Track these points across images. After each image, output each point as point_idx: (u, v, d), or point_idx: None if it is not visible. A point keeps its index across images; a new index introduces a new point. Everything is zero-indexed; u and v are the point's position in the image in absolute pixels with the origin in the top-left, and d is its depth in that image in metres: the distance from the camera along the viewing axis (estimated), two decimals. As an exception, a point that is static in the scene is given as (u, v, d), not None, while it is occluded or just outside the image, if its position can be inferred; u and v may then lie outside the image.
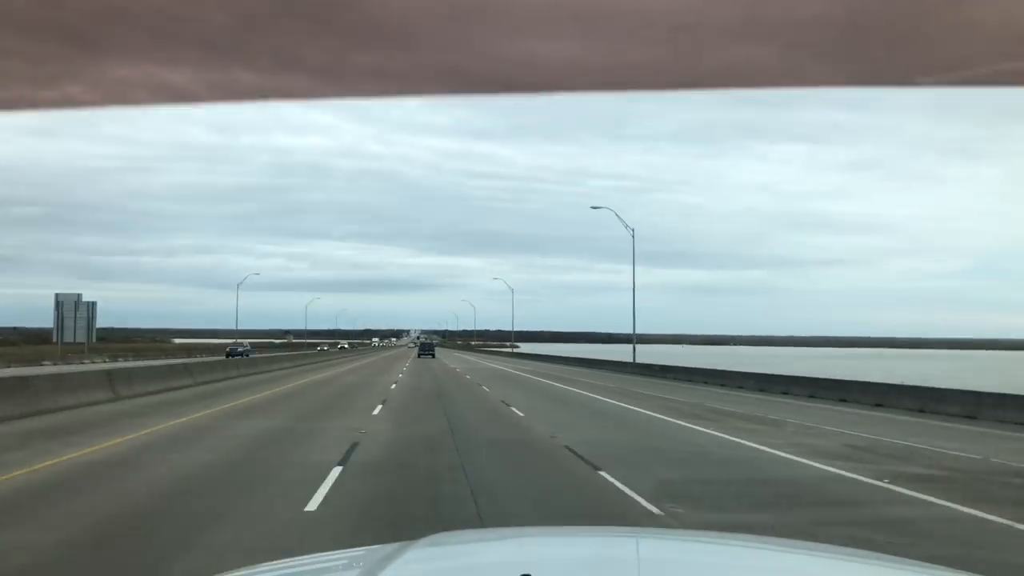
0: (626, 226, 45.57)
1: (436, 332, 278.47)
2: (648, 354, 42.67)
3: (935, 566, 2.05)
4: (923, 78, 1.24)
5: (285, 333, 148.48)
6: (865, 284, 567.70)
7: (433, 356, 79.35)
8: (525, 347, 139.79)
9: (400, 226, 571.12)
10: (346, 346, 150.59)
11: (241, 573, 2.04)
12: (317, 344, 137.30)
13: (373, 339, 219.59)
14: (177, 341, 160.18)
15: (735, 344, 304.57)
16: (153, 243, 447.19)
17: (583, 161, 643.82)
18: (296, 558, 2.35)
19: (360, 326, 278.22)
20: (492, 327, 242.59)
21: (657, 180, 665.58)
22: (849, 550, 2.42)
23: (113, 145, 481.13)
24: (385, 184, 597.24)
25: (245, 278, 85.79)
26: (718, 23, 1.24)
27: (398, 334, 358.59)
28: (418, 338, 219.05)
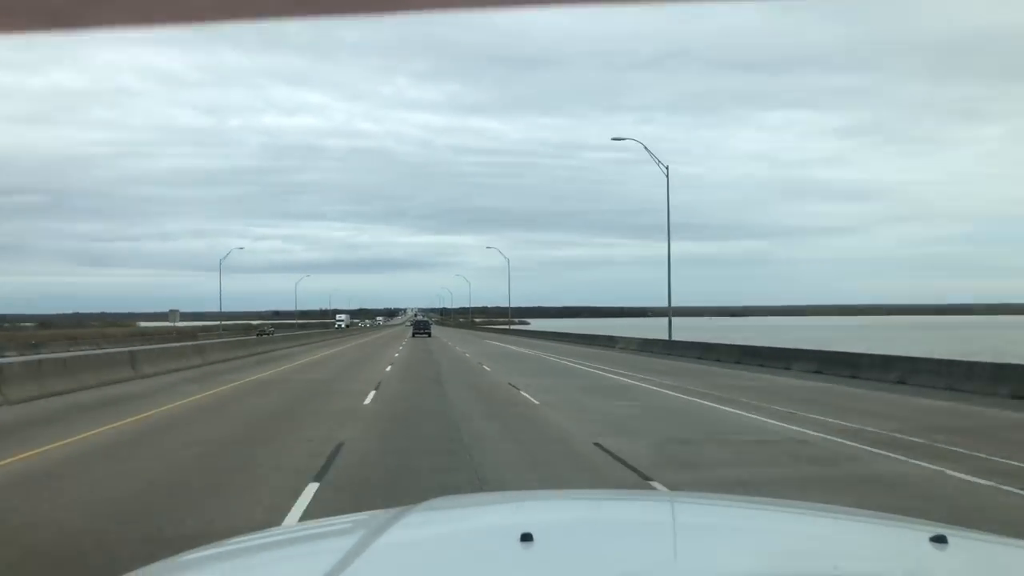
0: (659, 163, 40.45)
1: (433, 310, 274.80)
2: (667, 328, 38.22)
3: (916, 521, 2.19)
4: None
5: (275, 315, 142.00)
6: (864, 251, 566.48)
7: (429, 335, 78.80)
8: (535, 324, 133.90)
9: (394, 204, 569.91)
10: (342, 325, 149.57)
11: (246, 537, 2.17)
12: (302, 326, 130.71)
13: (338, 318, 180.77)
14: (143, 324, 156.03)
15: (754, 314, 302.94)
16: (150, 228, 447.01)
17: (577, 134, 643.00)
18: (299, 523, 2.65)
19: (355, 306, 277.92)
20: (490, 304, 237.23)
21: (654, 151, 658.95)
22: (851, 510, 2.49)
23: (103, 131, 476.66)
24: (378, 162, 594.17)
25: (228, 253, 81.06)
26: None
27: (393, 313, 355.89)
28: (416, 316, 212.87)
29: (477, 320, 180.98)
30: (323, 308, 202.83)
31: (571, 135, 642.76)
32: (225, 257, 78.06)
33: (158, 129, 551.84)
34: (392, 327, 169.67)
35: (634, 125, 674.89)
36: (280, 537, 2.30)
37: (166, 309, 67.82)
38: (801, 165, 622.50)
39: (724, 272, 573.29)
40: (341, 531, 2.13)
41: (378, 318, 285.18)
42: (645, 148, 40.46)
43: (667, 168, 40.44)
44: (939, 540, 1.71)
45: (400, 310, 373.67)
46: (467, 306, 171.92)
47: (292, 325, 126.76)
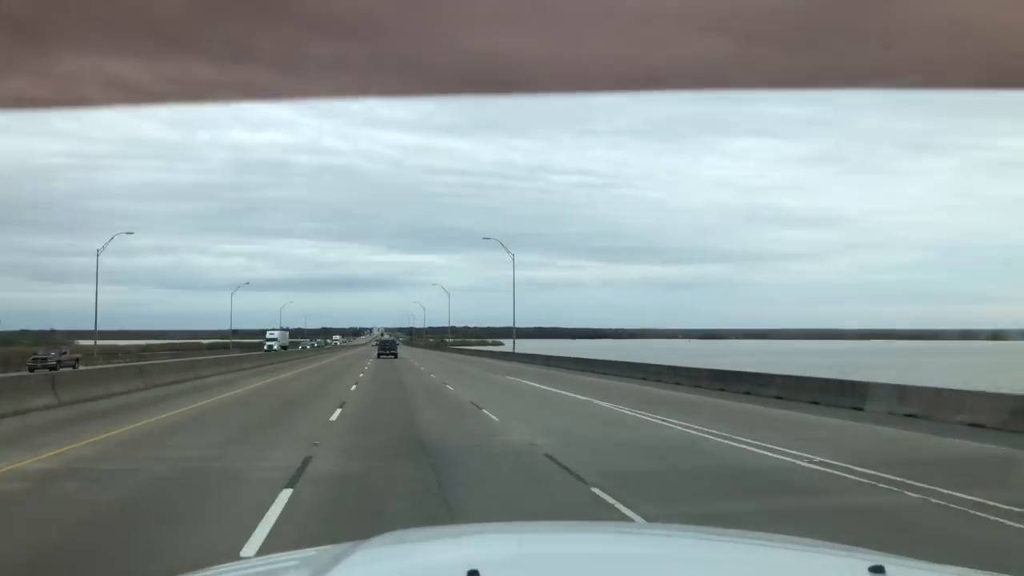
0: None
1: (401, 330, 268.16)
2: (641, 352, 42.81)
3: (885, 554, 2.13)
4: (881, 79, 1.33)
5: (233, 333, 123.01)
6: (824, 277, 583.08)
7: (395, 356, 73.89)
8: (514, 344, 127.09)
9: (362, 223, 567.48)
10: (274, 347, 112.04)
11: (198, 573, 2.15)
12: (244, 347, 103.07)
13: (269, 336, 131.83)
14: (80, 342, 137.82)
15: (733, 338, 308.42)
16: (112, 243, 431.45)
17: (546, 156, 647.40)
18: (248, 559, 2.65)
19: (317, 325, 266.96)
20: (459, 324, 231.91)
21: (620, 176, 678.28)
22: (789, 539, 2.52)
23: (65, 142, 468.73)
24: (346, 180, 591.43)
25: (105, 245, 63.18)
26: (679, 14, 1.25)
27: (359, 332, 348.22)
28: (381, 335, 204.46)
29: (449, 340, 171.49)
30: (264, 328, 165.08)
31: (540, 158, 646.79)
32: (102, 248, 60.56)
33: (122, 142, 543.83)
34: (355, 347, 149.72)
35: (603, 150, 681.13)
36: (234, 575, 2.26)
37: (128, 328, 59.67)
38: (764, 192, 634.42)
39: (688, 295, 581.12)
40: (291, 568, 2.17)
41: (335, 337, 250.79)
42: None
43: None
44: (877, 571, 1.73)
45: (366, 329, 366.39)
46: (435, 326, 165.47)
47: (227, 346, 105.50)
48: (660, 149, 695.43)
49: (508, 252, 61.79)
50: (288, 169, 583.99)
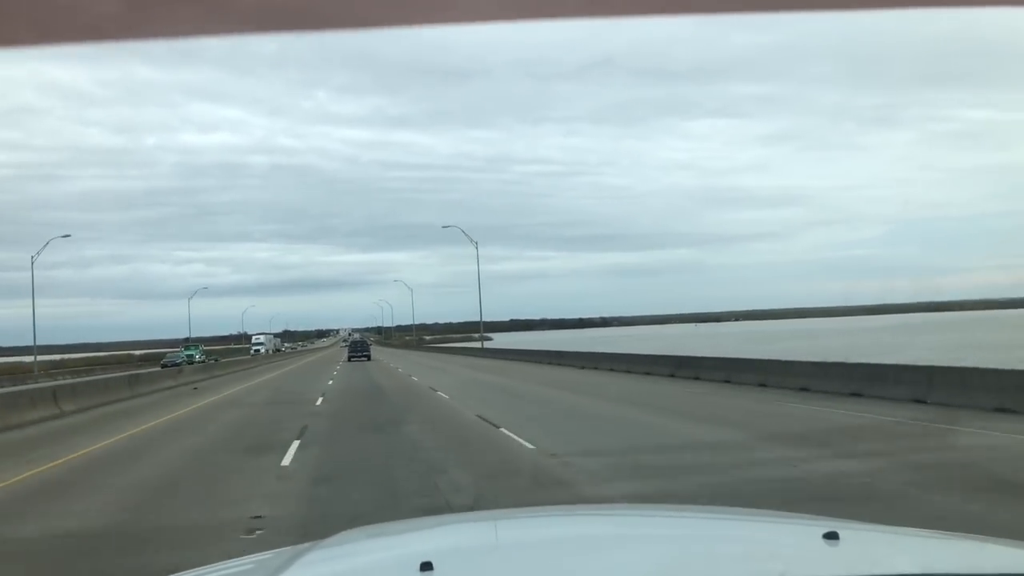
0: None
1: (368, 330, 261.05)
2: (653, 340, 44.26)
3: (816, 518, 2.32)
4: None
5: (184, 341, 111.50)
6: (788, 257, 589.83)
7: (368, 358, 67.46)
8: (499, 339, 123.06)
9: (321, 223, 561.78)
10: (261, 351, 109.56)
11: None
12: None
13: (256, 340, 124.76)
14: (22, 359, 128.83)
15: (735, 319, 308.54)
16: (65, 255, 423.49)
17: (505, 147, 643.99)
18: (207, 566, 2.39)
19: (279, 328, 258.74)
20: (429, 321, 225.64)
21: (581, 163, 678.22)
22: (744, 511, 2.76)
23: (5, 152, 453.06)
24: (302, 180, 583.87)
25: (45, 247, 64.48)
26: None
27: (324, 333, 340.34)
28: (349, 335, 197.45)
29: (427, 338, 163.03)
30: (240, 332, 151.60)
31: (499, 148, 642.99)
32: (36, 254, 63.05)
33: (66, 149, 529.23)
34: (318, 351, 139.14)
35: (561, 137, 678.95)
36: None
37: (88, 340, 56.14)
38: (726, 173, 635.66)
39: (655, 281, 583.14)
40: (246, 571, 2.15)
41: (257, 337, 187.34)
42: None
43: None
44: (831, 536, 1.80)
45: (331, 331, 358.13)
46: (403, 324, 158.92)
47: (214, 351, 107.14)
48: (620, 134, 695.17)
49: (472, 241, 59.37)
50: (241, 171, 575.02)
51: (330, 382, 35.80)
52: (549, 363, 44.84)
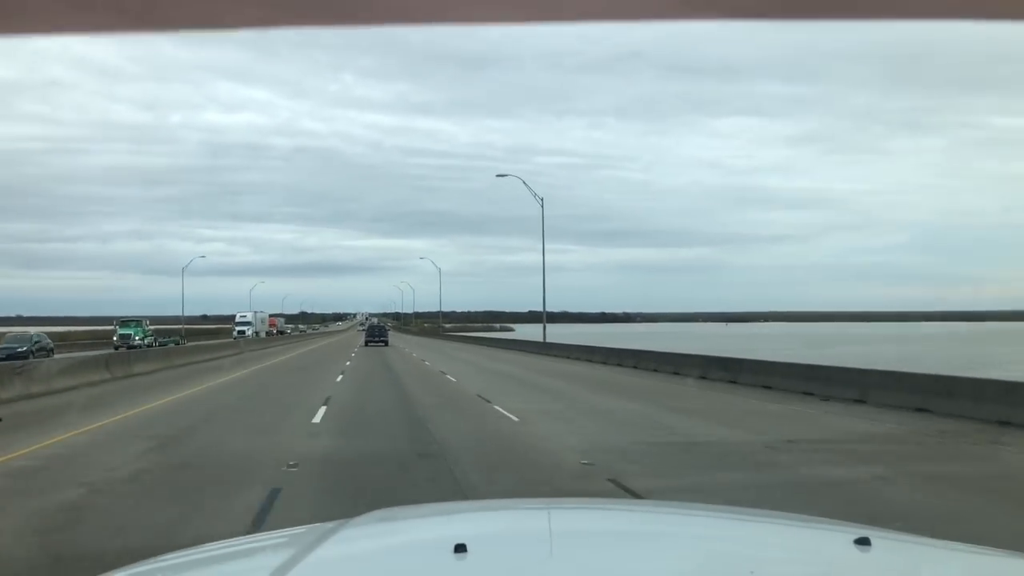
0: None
1: (386, 315, 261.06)
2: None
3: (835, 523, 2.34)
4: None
5: (204, 318, 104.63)
6: (810, 259, 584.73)
7: (386, 343, 66.21)
8: (521, 330, 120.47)
9: (342, 207, 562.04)
10: (247, 332, 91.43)
11: (175, 554, 2.13)
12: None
13: (240, 317, 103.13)
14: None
15: (763, 320, 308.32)
16: (87, 229, 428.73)
17: (527, 137, 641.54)
18: (235, 539, 2.45)
19: (296, 309, 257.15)
20: (446, 309, 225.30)
21: (603, 156, 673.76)
22: (776, 514, 2.60)
23: (34, 125, 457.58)
24: (325, 163, 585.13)
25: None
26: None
27: (341, 317, 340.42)
28: (367, 319, 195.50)
29: (447, 326, 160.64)
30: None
31: (521, 139, 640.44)
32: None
33: (93, 125, 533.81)
34: (332, 335, 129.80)
35: (584, 130, 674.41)
36: (212, 553, 2.22)
37: (106, 314, 54.11)
38: (750, 173, 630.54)
39: (675, 278, 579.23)
40: (275, 546, 2.16)
41: (242, 315, 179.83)
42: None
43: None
44: (863, 542, 1.79)
45: (349, 315, 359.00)
46: (420, 311, 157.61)
47: (180, 332, 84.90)
48: (644, 129, 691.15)
49: (536, 197, 49.86)
50: (265, 152, 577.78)
51: (338, 382, 25.75)
52: (632, 366, 33.36)
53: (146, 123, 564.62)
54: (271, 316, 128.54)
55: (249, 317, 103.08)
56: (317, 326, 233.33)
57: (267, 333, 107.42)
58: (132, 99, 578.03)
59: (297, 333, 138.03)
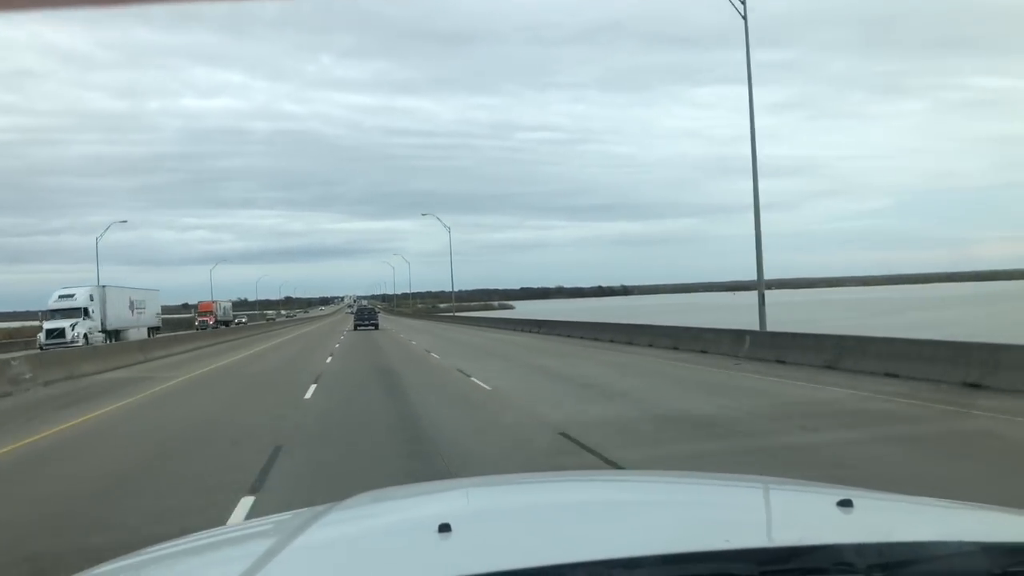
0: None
1: (374, 297, 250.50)
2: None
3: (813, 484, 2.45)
4: None
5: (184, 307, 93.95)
6: (796, 226, 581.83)
7: (376, 327, 62.77)
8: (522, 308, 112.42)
9: (325, 190, 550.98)
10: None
11: (162, 545, 2.14)
12: None
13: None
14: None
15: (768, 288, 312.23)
16: (70, 220, 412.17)
17: (510, 113, 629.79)
18: (221, 528, 2.58)
19: (283, 295, 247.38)
20: (435, 289, 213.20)
21: (587, 130, 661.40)
22: (758, 478, 2.64)
23: (7, 116, 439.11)
24: (306, 146, 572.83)
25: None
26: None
27: (327, 301, 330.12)
28: (355, 302, 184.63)
29: (441, 306, 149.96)
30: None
31: (505, 115, 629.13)
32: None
33: (68, 114, 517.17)
34: (316, 320, 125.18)
35: (567, 104, 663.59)
36: (197, 543, 2.21)
37: None
38: (734, 142, 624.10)
39: (665, 251, 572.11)
40: (260, 534, 2.16)
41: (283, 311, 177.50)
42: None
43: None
44: (845, 504, 1.80)
45: (336, 298, 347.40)
46: (408, 292, 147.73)
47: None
48: (627, 101, 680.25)
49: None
50: (245, 136, 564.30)
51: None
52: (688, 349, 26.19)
53: (123, 111, 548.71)
54: (203, 302, 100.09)
55: (77, 298, 52.53)
56: (296, 312, 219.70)
57: (205, 326, 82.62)
58: (107, 87, 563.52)
59: (263, 321, 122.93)
